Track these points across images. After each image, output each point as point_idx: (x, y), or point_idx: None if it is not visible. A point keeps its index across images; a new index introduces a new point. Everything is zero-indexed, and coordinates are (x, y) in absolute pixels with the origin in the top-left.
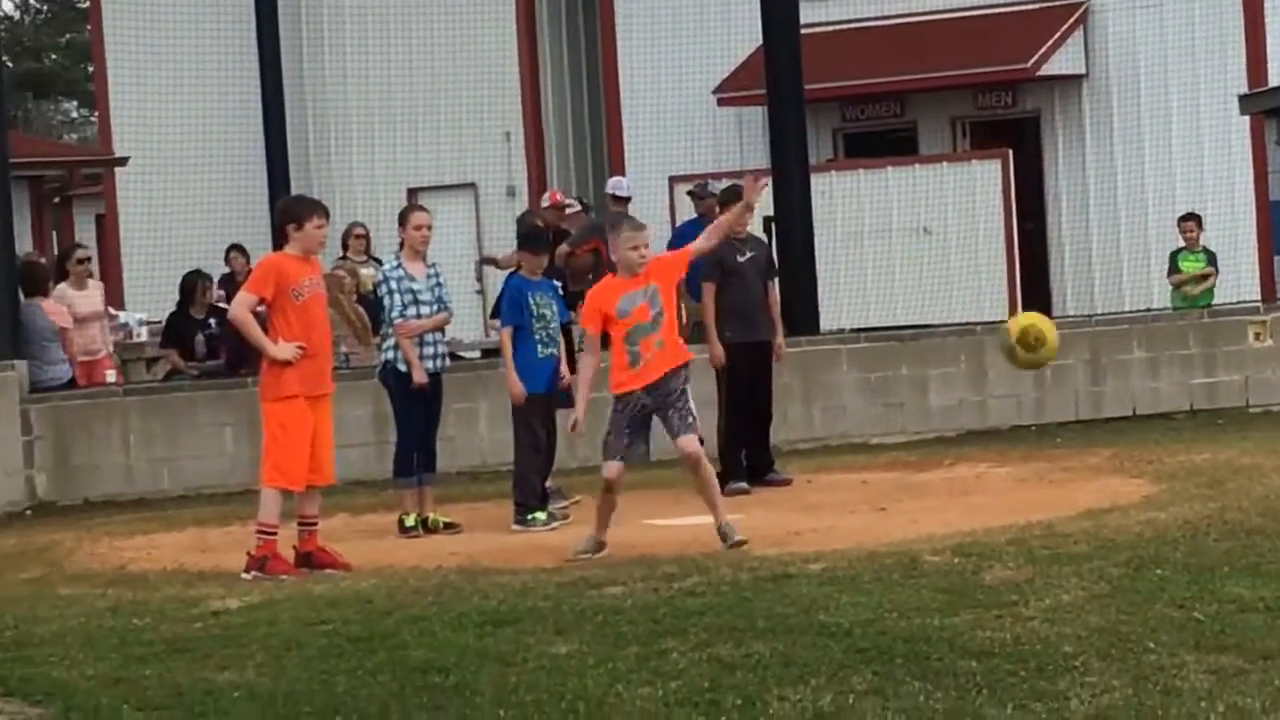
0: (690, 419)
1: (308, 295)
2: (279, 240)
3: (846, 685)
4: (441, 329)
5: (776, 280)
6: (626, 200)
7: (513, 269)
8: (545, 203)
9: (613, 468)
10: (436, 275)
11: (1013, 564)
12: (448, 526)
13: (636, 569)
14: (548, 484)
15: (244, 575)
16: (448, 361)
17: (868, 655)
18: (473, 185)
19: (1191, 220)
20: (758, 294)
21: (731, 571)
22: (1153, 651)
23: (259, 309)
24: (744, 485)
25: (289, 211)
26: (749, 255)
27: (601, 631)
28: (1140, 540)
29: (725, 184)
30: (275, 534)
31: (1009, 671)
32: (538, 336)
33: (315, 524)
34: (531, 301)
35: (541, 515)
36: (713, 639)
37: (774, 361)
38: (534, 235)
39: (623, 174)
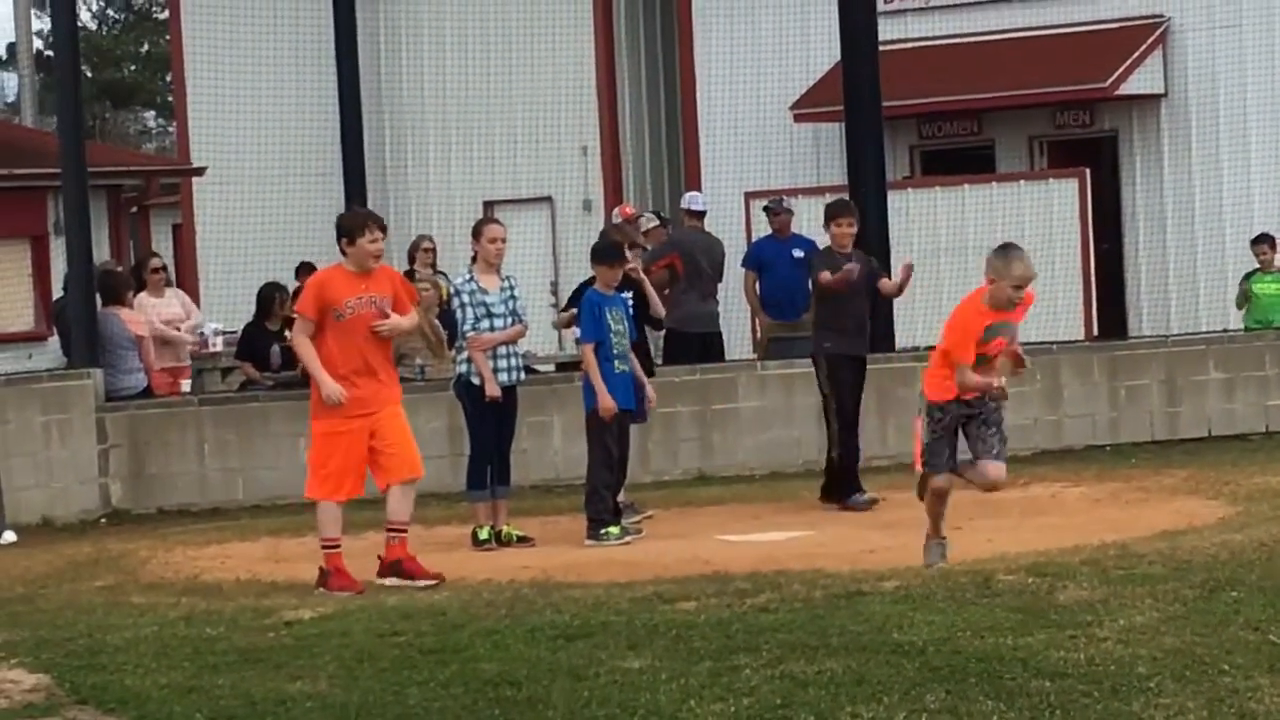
0: (1002, 446)
1: (350, 315)
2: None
3: (920, 704)
4: (515, 342)
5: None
6: (701, 215)
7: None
8: (616, 218)
9: (943, 479)
10: (511, 288)
11: (1087, 584)
12: (521, 540)
13: (709, 585)
14: (620, 498)
15: (317, 591)
16: (523, 375)
17: (941, 674)
18: (549, 199)
19: (1265, 242)
20: (861, 309)
21: (805, 589)
22: (1228, 674)
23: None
24: (872, 496)
25: (341, 226)
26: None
27: (674, 647)
28: (1215, 562)
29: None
30: (336, 547)
31: (1083, 692)
32: (615, 351)
33: (403, 530)
34: (608, 316)
35: (615, 530)
36: (785, 656)
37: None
38: (608, 249)
39: (699, 189)
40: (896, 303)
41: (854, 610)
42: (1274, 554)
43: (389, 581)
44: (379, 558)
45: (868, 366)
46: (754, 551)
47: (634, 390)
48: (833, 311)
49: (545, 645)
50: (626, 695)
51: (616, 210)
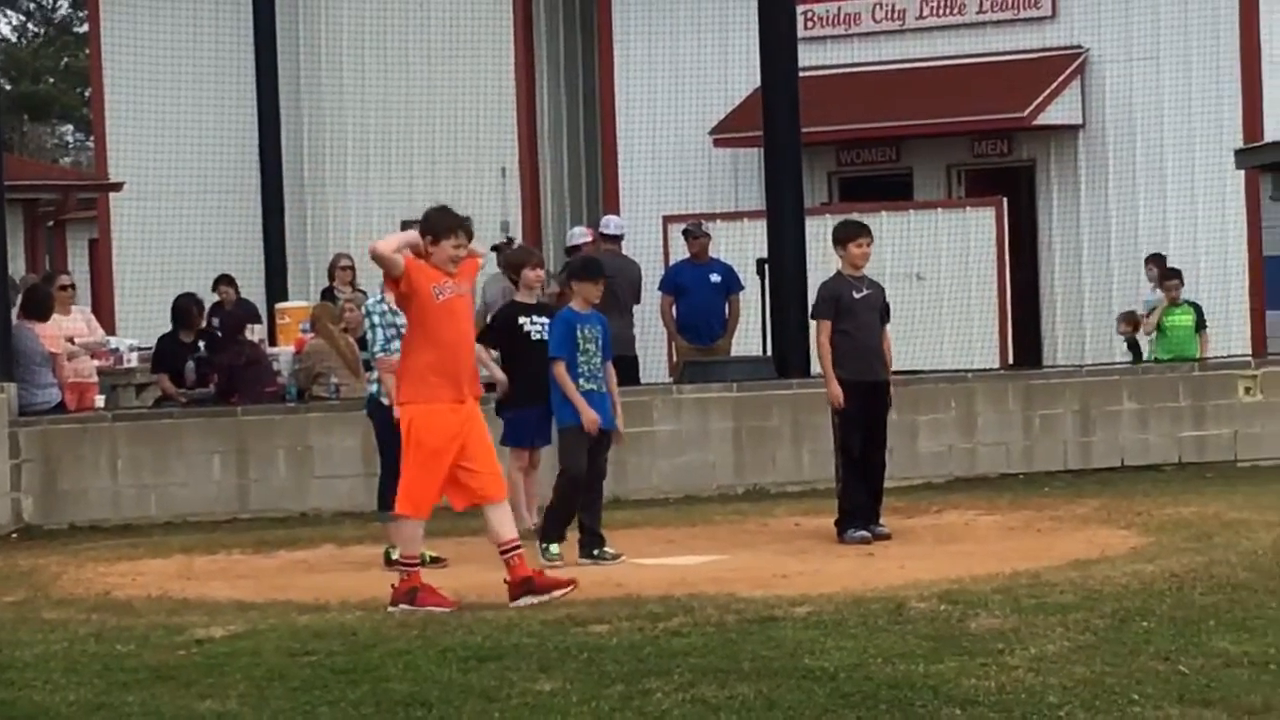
0: None
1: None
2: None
3: None
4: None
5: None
6: (618, 239)
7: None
8: (582, 236)
9: None
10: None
11: (999, 612)
12: (434, 560)
13: (622, 608)
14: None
15: (391, 610)
16: None
17: (852, 700)
18: (467, 219)
19: (1174, 277)
20: (873, 334)
21: (717, 613)
22: (1137, 704)
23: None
24: (864, 533)
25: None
26: (865, 294)
27: (585, 670)
28: (1127, 592)
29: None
30: (416, 565)
31: None
32: (580, 370)
33: (518, 547)
34: (579, 334)
35: (554, 549)
36: (697, 680)
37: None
38: (588, 266)
39: (617, 212)
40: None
41: (766, 635)
42: (1185, 584)
43: (524, 602)
44: (505, 581)
45: (781, 393)
46: (667, 575)
47: (609, 410)
48: (845, 338)
49: (457, 666)
50: (537, 717)
51: (582, 229)
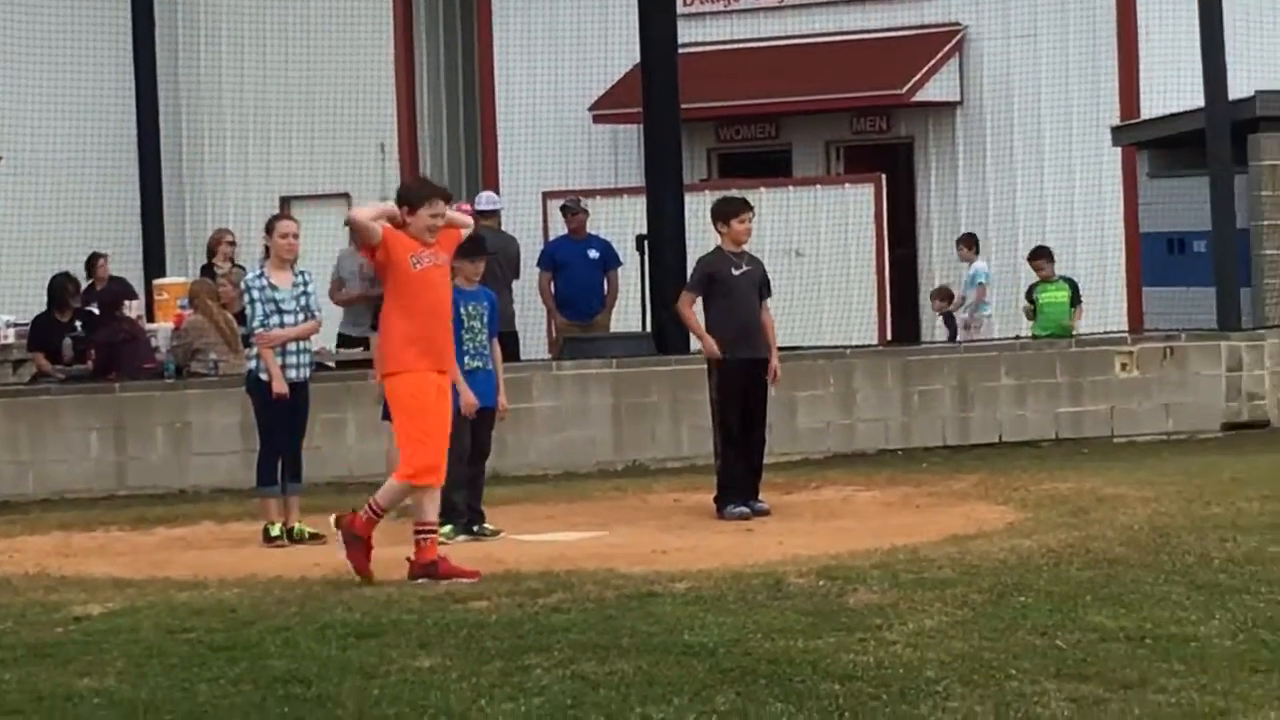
0: None
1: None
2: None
3: (710, 705)
4: (307, 338)
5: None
6: (494, 214)
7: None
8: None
9: None
10: (305, 284)
11: (877, 588)
12: (313, 537)
13: (502, 584)
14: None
15: (419, 580)
16: (307, 372)
17: (731, 676)
18: (346, 195)
19: (1042, 256)
20: (753, 310)
21: (597, 589)
22: (1014, 678)
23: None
24: (744, 509)
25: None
26: (744, 270)
27: (465, 646)
28: (1004, 567)
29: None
30: (435, 532)
31: (871, 695)
32: (465, 347)
33: (432, 532)
34: (462, 312)
35: (446, 529)
36: (576, 656)
37: (769, 382)
38: (470, 244)
39: (496, 188)
40: None
41: (645, 611)
42: (1061, 560)
43: (419, 581)
44: (408, 559)
45: (661, 369)
46: (547, 551)
47: (493, 387)
48: (723, 315)
49: (336, 643)
50: (417, 694)
51: (491, 194)
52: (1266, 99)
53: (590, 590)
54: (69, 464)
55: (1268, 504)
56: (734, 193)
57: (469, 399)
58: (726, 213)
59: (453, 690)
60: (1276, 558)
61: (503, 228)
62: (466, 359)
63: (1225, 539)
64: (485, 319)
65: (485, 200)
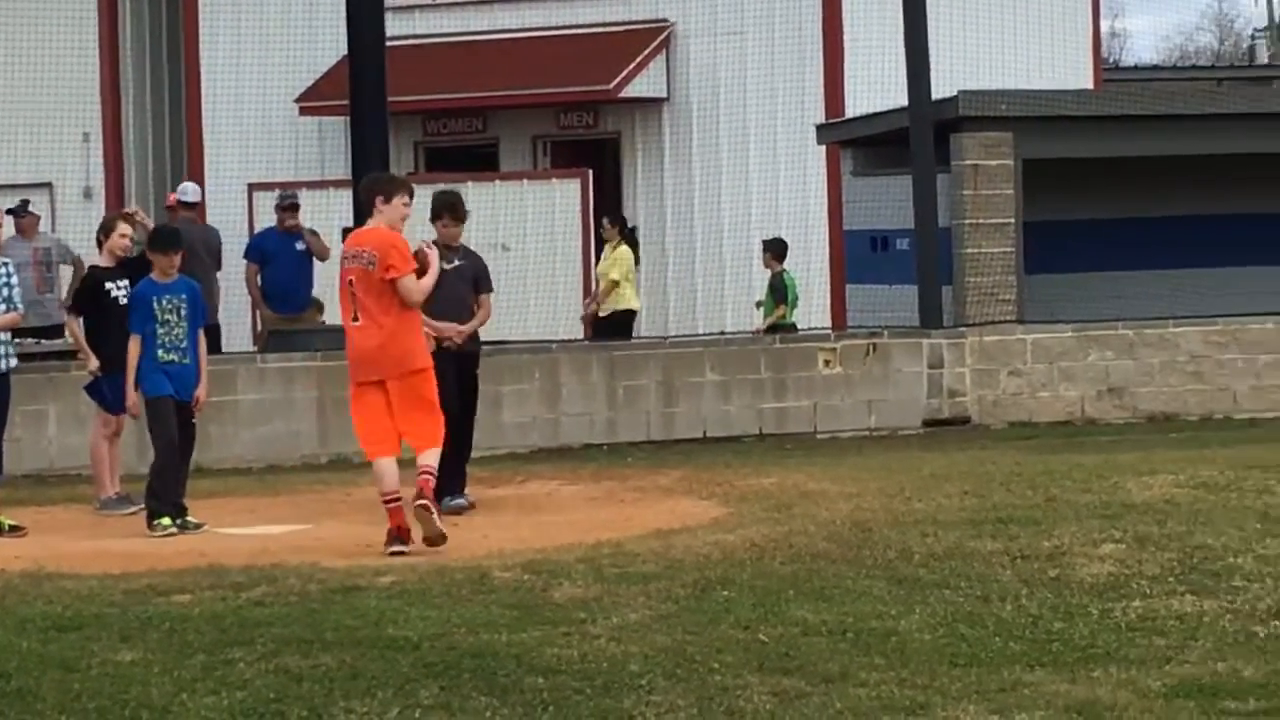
0: None
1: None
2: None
3: (414, 699)
4: (8, 329)
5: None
6: (193, 205)
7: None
8: (195, 196)
9: None
10: (8, 275)
11: (582, 582)
12: (13, 529)
13: (204, 578)
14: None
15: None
16: (14, 362)
17: (435, 670)
18: (49, 185)
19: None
20: (462, 305)
21: (300, 583)
22: (718, 672)
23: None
24: (462, 501)
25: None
26: (456, 264)
27: (167, 640)
28: (708, 561)
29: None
30: (397, 500)
31: (575, 689)
32: (160, 341)
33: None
34: (156, 307)
35: (166, 520)
36: (280, 650)
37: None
38: (165, 237)
39: (202, 179)
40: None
41: (349, 605)
42: (765, 554)
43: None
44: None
45: None
46: (250, 544)
47: (190, 381)
48: (432, 307)
49: (36, 637)
50: (118, 688)
51: (194, 185)
52: (969, 99)
53: (294, 584)
54: None
55: (967, 499)
56: (443, 187)
57: (131, 400)
58: (435, 213)
59: (154, 684)
60: (976, 553)
61: (209, 219)
62: (161, 352)
63: (926, 534)
64: (184, 312)
65: (189, 192)
